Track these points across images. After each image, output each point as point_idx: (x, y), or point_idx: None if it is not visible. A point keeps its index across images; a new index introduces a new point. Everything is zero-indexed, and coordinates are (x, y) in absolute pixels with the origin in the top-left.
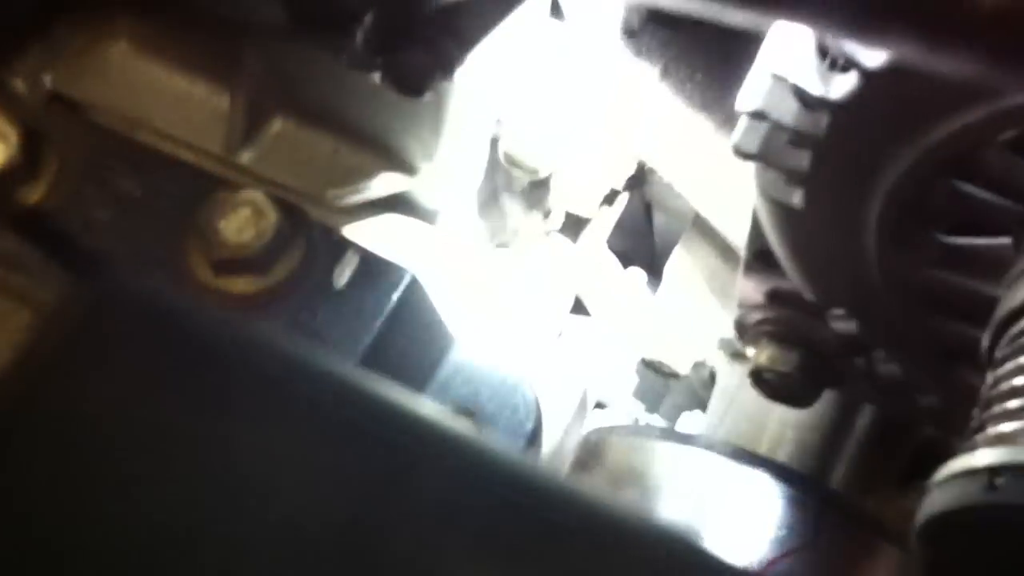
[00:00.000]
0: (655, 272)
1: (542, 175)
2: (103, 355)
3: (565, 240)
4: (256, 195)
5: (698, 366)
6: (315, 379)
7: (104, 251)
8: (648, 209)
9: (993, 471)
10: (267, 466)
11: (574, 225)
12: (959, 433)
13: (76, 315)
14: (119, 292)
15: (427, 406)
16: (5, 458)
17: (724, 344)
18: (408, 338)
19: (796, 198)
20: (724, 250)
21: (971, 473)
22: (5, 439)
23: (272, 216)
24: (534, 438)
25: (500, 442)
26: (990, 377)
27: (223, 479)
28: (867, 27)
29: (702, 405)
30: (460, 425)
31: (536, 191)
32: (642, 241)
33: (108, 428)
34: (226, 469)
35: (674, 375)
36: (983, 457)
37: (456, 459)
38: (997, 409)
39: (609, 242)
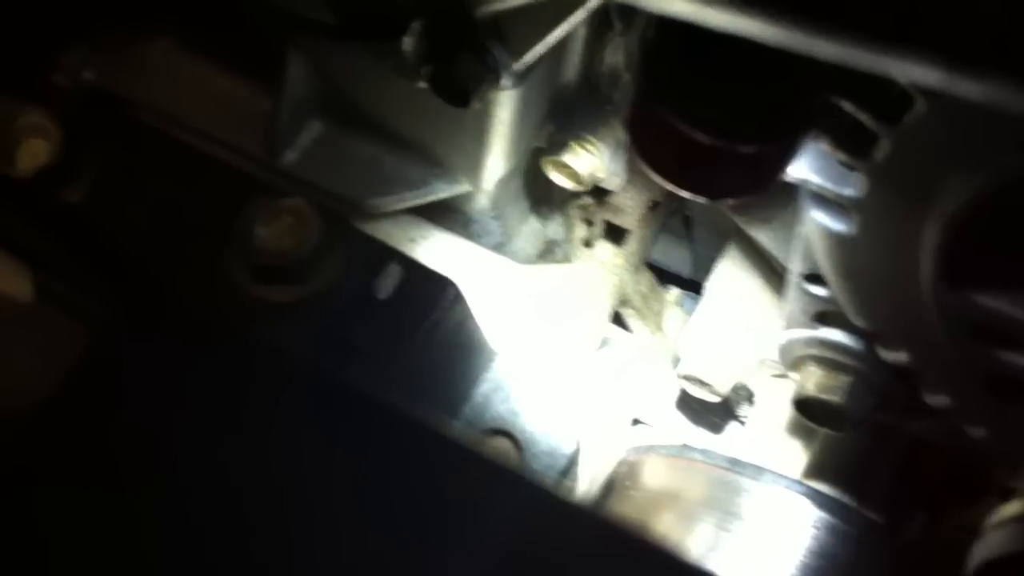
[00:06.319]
0: (694, 287)
1: (586, 186)
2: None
3: (606, 251)
4: (298, 202)
5: (738, 388)
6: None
7: (143, 256)
8: (688, 223)
9: None
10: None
11: (615, 237)
12: (1009, 464)
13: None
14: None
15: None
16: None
17: (765, 365)
18: (449, 352)
19: (849, 226)
20: (767, 268)
21: None
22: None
23: (314, 224)
24: (572, 460)
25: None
26: None
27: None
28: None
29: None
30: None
31: (578, 202)
32: (682, 255)
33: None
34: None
35: (715, 394)
36: None
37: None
38: None
39: (649, 255)
